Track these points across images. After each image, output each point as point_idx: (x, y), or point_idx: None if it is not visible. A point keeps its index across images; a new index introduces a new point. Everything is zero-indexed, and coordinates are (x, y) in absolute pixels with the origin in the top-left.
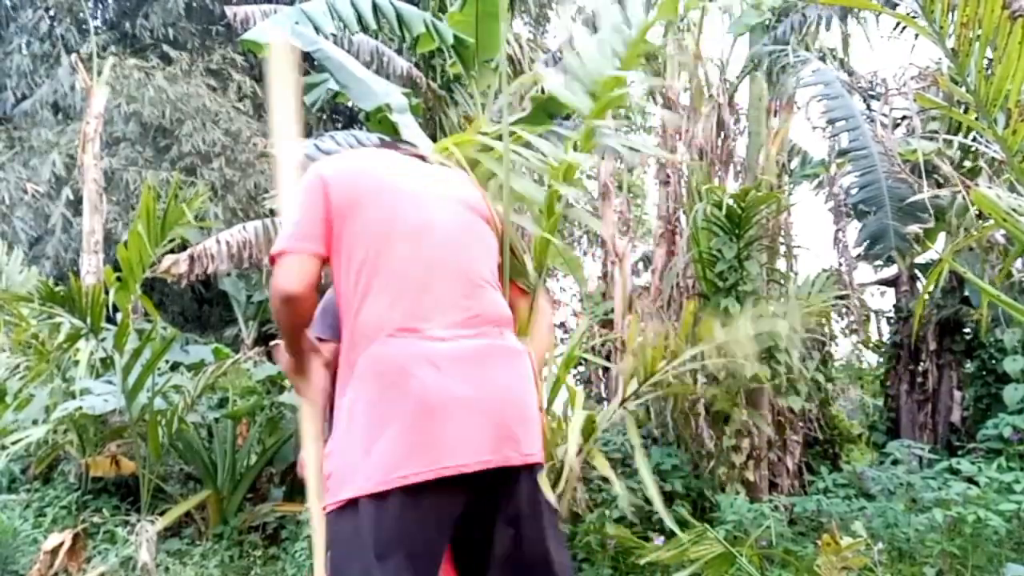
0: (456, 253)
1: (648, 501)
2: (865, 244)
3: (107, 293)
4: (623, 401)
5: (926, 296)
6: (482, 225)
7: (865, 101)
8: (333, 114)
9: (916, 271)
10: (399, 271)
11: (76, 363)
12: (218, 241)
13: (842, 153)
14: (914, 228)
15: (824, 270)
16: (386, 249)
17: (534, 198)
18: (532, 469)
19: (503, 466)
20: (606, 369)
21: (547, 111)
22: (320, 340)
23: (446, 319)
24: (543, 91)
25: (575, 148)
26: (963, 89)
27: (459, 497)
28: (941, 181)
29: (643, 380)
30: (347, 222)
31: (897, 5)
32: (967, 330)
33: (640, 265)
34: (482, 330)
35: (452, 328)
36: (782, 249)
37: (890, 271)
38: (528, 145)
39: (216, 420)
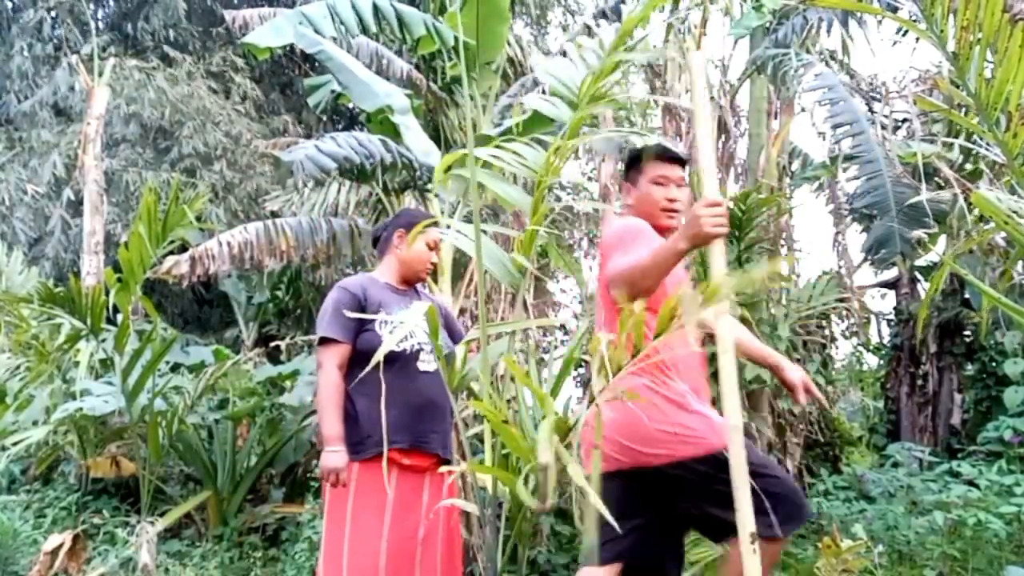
0: None
1: None
2: (871, 248)
3: (107, 294)
4: (591, 401)
5: (929, 299)
6: None
7: (867, 103)
8: (334, 115)
9: (916, 274)
10: None
11: (76, 364)
12: (219, 242)
13: (848, 158)
14: (919, 233)
15: (825, 272)
16: None
17: (515, 201)
18: None
19: None
20: None
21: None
22: (333, 341)
23: None
24: (544, 92)
25: (557, 151)
26: (963, 92)
27: None
28: (943, 184)
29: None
30: None
31: (898, 9)
32: (967, 333)
33: None
34: None
35: None
36: (783, 251)
37: (890, 274)
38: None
39: (216, 421)
